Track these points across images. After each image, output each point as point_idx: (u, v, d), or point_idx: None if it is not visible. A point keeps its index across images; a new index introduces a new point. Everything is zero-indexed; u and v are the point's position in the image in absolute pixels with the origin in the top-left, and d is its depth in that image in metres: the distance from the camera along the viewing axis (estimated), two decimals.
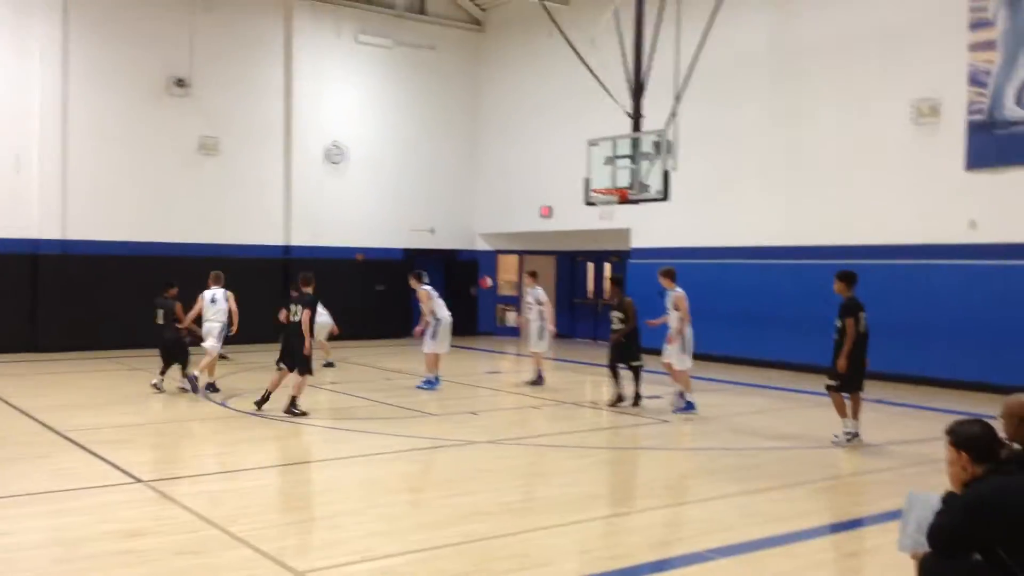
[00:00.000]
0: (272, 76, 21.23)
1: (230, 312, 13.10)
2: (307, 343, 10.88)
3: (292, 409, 10.91)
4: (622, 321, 12.19)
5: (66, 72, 18.67)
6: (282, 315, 11.32)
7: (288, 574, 5.42)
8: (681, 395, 11.77)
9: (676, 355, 11.75)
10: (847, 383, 9.62)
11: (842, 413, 9.67)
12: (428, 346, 13.54)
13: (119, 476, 7.94)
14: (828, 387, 9.70)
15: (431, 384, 13.47)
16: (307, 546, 6.05)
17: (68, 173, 18.73)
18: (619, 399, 12.09)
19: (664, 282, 12.10)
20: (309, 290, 11.32)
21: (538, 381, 14.11)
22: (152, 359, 13.56)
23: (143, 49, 19.55)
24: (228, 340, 13.50)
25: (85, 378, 14.76)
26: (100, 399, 12.44)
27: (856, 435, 9.66)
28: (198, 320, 13.09)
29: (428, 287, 13.65)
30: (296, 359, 11.01)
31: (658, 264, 19.15)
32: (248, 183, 20.86)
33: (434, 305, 13.57)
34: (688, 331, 11.85)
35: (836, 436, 9.69)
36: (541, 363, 14.35)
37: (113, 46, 19.28)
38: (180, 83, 19.86)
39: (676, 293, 11.89)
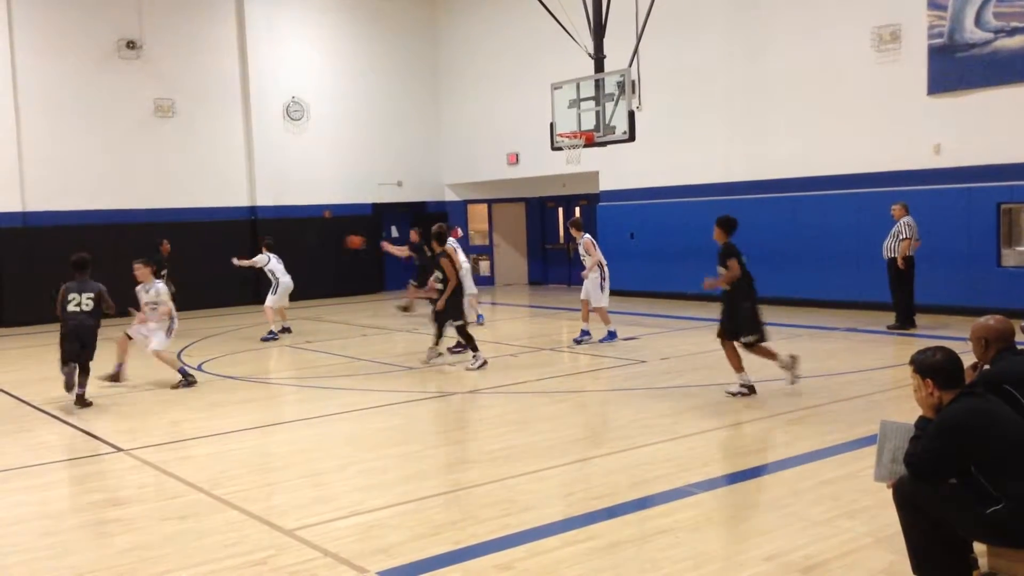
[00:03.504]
0: (225, 33, 20.78)
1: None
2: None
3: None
4: (443, 281, 11.23)
5: (12, 40, 18.18)
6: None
7: (276, 533, 5.46)
8: (585, 331, 12.77)
9: (595, 293, 12.74)
10: (761, 332, 8.95)
11: (737, 367, 8.99)
12: (597, 299, 12.83)
13: (99, 446, 7.92)
14: (748, 345, 8.95)
15: (612, 336, 12.87)
16: (294, 504, 6.08)
17: (23, 144, 18.35)
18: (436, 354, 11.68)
19: (573, 232, 13.18)
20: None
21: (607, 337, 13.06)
22: (118, 327, 13.44)
23: (90, 12, 19.05)
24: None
25: (55, 350, 14.57)
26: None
27: (751, 388, 8.93)
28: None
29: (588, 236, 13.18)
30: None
31: (628, 205, 19.32)
32: (208, 144, 20.54)
33: (459, 258, 13.27)
34: (601, 272, 12.79)
35: (731, 390, 8.99)
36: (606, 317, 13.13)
37: (59, 11, 18.77)
38: (131, 45, 19.41)
39: (584, 239, 12.87)
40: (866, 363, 10.58)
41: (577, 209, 22.58)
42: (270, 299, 14.98)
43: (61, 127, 18.75)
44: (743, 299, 8.98)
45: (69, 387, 9.58)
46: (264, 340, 14.44)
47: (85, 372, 9.79)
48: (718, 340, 9.18)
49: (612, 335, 12.87)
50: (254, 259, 15.32)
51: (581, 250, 12.96)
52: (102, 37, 19.20)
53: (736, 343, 9.02)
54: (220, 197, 20.71)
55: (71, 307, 9.80)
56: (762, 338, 8.99)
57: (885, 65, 14.89)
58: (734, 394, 8.90)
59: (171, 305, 10.61)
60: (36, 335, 16.34)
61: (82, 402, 9.72)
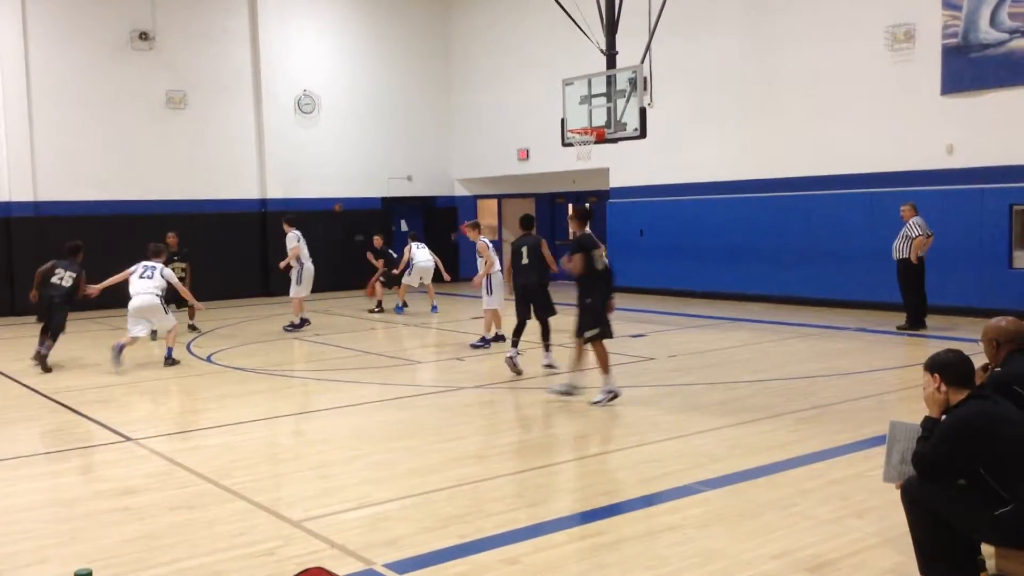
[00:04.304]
0: (237, 26, 20.81)
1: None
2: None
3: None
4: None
5: (25, 31, 18.23)
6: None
7: (284, 524, 5.48)
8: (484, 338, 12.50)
9: (485, 298, 12.54)
10: (603, 327, 8.64)
11: (605, 367, 8.61)
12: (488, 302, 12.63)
13: (109, 435, 7.96)
14: (587, 339, 8.60)
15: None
16: (301, 496, 6.10)
17: (35, 134, 18.42)
18: None
19: (470, 234, 13.27)
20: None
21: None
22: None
23: (104, 3, 19.10)
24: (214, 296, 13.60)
25: (66, 339, 14.64)
26: (83, 360, 12.39)
27: (615, 393, 8.55)
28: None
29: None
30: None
31: (638, 203, 19.28)
32: (219, 137, 20.57)
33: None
34: (494, 275, 12.47)
35: (598, 398, 8.58)
36: None
37: (73, 1, 18.83)
38: (143, 36, 19.45)
39: (479, 243, 12.79)
40: (876, 363, 10.55)
41: (571, 207, 22.63)
42: (295, 289, 14.58)
43: (73, 118, 18.81)
44: (586, 295, 8.64)
45: (41, 357, 11.29)
46: (287, 330, 14.33)
47: (52, 337, 11.44)
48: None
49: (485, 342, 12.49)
50: (289, 247, 14.62)
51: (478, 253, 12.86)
52: (115, 28, 19.25)
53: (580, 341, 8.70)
54: (231, 189, 20.75)
55: (54, 279, 11.48)
56: (603, 335, 8.58)
57: (898, 64, 14.82)
58: (596, 402, 8.53)
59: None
60: None
61: (41, 361, 11.24)
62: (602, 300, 8.70)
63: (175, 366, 11.50)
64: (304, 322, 14.78)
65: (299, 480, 6.59)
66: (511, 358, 10.29)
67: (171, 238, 14.99)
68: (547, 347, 10.63)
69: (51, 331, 11.47)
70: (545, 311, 10.64)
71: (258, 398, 9.63)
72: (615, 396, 8.58)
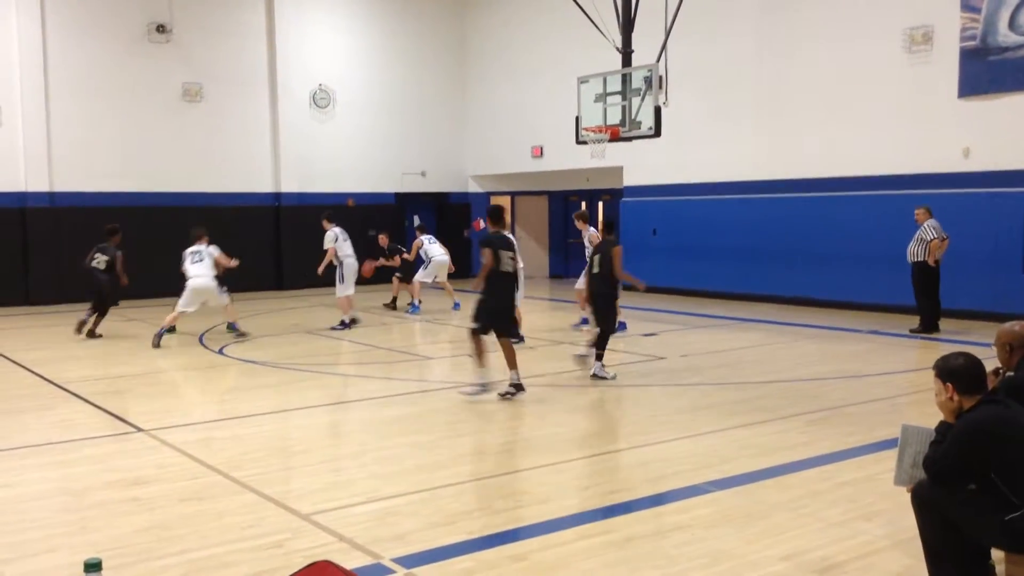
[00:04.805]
0: (254, 19, 20.87)
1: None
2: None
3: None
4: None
5: (44, 22, 18.34)
6: None
7: (293, 517, 5.50)
8: (584, 318, 12.63)
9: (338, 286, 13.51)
10: (497, 324, 8.89)
11: (481, 360, 8.85)
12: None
13: (120, 426, 8.00)
14: (472, 331, 8.89)
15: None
16: (310, 489, 6.12)
17: (52, 125, 18.53)
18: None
19: (579, 224, 13.46)
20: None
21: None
22: (145, 309, 13.59)
23: None
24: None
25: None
26: (96, 350, 12.47)
27: (520, 387, 8.80)
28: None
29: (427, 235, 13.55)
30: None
31: (651, 202, 19.25)
32: (234, 130, 20.64)
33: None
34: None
35: (505, 391, 8.80)
36: None
37: None
38: (161, 29, 19.53)
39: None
40: (888, 366, 10.51)
41: (584, 203, 22.65)
42: (340, 287, 14.04)
43: (90, 109, 18.91)
44: (487, 293, 8.87)
45: (80, 324, 13.15)
46: (334, 330, 13.88)
47: (100, 313, 13.24)
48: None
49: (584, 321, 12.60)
50: (326, 246, 13.98)
51: (586, 241, 13.12)
52: (132, 20, 19.34)
53: (493, 337, 8.92)
54: (245, 182, 20.82)
55: (94, 263, 13.30)
56: (484, 331, 8.80)
57: (916, 66, 14.73)
58: (503, 395, 8.76)
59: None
60: (61, 314, 16.51)
61: (85, 330, 13.05)
62: (501, 299, 8.89)
63: (240, 338, 12.77)
64: (353, 321, 14.23)
65: (308, 473, 6.61)
66: (595, 374, 9.84)
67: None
68: (599, 355, 9.97)
69: (96, 308, 13.24)
70: (606, 322, 10.05)
71: (269, 391, 9.66)
72: (484, 391, 8.75)
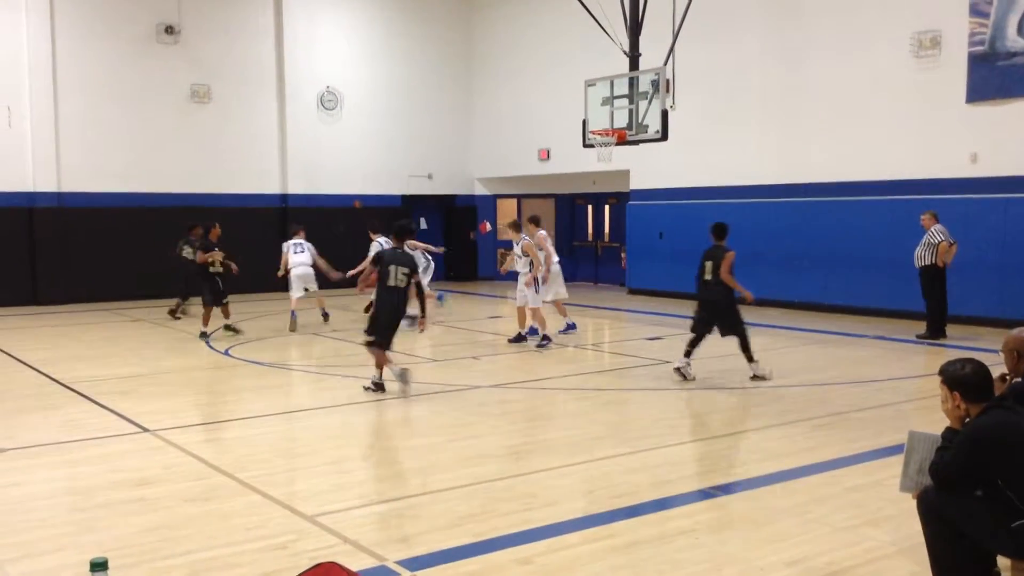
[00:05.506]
0: (262, 21, 20.93)
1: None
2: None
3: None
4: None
5: (54, 23, 18.41)
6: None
7: (297, 518, 5.50)
8: (570, 324, 13.41)
9: (529, 295, 12.52)
10: (379, 336, 9.30)
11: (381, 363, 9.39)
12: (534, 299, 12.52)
13: (126, 426, 8.02)
14: (365, 343, 9.48)
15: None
16: (316, 491, 6.12)
17: (60, 125, 18.59)
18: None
19: (512, 235, 13.04)
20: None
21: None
22: (149, 309, 13.64)
23: None
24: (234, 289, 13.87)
25: (86, 330, 14.81)
26: (103, 350, 12.51)
27: (381, 385, 9.31)
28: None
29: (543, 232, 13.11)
30: None
31: (658, 205, 19.23)
32: (242, 131, 20.69)
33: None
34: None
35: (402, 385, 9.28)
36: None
37: None
38: (169, 30, 19.58)
39: (525, 242, 12.55)
40: (895, 372, 10.48)
41: (590, 207, 22.58)
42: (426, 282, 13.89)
43: (98, 110, 18.97)
44: (378, 302, 9.43)
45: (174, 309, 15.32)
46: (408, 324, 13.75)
47: (185, 299, 15.25)
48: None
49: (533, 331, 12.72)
50: (372, 254, 13.25)
51: (518, 250, 12.67)
52: (141, 21, 19.40)
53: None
54: (252, 183, 20.86)
55: (183, 254, 14.91)
56: (376, 344, 9.26)
57: (924, 72, 14.70)
58: (367, 388, 9.30)
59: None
60: (69, 314, 16.58)
61: (173, 315, 15.31)
62: (386, 314, 9.30)
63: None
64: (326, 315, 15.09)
65: (314, 475, 6.61)
66: (679, 368, 9.83)
67: (214, 231, 14.52)
68: (750, 357, 9.83)
69: (182, 296, 15.25)
70: (732, 329, 9.87)
71: (275, 392, 9.68)
72: (380, 388, 9.26)
